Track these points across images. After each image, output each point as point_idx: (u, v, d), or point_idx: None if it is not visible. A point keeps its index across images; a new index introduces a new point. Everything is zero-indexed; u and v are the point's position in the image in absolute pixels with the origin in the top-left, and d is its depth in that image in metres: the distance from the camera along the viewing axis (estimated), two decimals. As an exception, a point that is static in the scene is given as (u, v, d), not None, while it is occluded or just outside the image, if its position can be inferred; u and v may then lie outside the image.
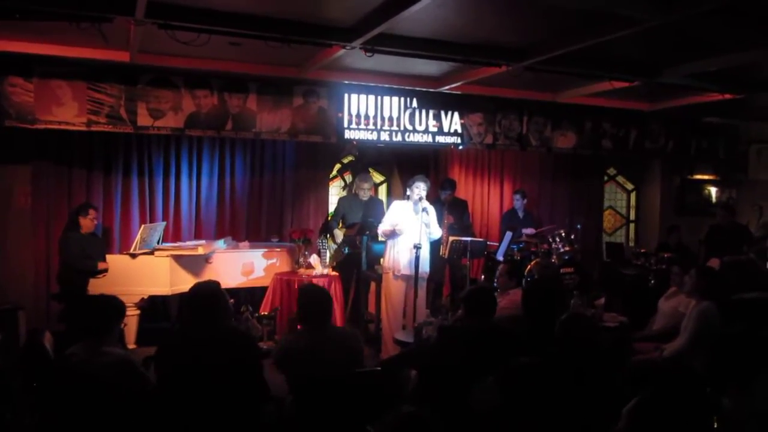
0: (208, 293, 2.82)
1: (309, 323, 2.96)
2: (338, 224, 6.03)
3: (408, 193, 5.04)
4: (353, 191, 6.27)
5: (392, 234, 4.98)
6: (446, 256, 5.70)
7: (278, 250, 5.88)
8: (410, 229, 4.90)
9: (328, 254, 5.77)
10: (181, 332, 2.85)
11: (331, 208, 6.60)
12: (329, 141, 6.14)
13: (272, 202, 6.53)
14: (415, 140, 6.32)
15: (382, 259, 5.41)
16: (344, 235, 5.97)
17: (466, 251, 5.47)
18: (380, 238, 5.40)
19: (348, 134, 6.04)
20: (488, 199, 7.60)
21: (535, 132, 6.99)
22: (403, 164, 7.05)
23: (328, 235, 5.78)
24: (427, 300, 5.15)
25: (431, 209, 4.98)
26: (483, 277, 6.64)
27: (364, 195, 6.05)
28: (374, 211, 6.09)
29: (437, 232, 5.10)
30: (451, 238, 5.59)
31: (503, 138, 6.83)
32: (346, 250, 5.92)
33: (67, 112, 5.12)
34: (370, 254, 6.01)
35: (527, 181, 7.69)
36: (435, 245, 5.40)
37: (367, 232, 5.89)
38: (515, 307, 3.64)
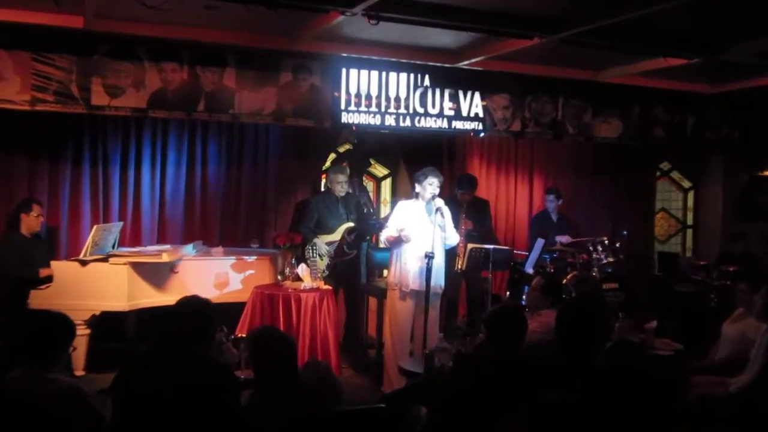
0: (196, 313, 2.88)
1: (270, 383, 2.83)
2: (313, 230, 5.87)
3: (417, 190, 5.00)
4: (327, 187, 6.16)
5: (397, 241, 4.95)
6: (463, 268, 5.69)
7: (259, 258, 5.85)
8: (420, 235, 4.87)
9: (318, 263, 5.72)
10: (148, 358, 2.88)
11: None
12: (322, 126, 6.12)
13: (252, 199, 6.49)
14: (427, 126, 6.33)
15: (385, 271, 5.43)
16: (328, 243, 5.84)
17: (488, 262, 5.44)
18: (382, 245, 5.34)
19: (345, 118, 6.02)
20: (515, 199, 7.48)
21: (572, 118, 6.98)
22: (412, 155, 7.02)
23: (311, 247, 5.74)
24: (440, 321, 5.14)
25: (446, 210, 4.97)
26: (508, 293, 6.61)
27: (341, 190, 5.92)
28: (354, 207, 6.00)
29: (454, 238, 5.10)
30: (469, 246, 5.57)
31: (533, 124, 6.80)
32: (329, 251, 5.81)
33: (8, 88, 5.09)
34: (371, 264, 5.97)
35: (562, 177, 7.64)
36: (450, 254, 5.40)
37: (367, 238, 5.93)
38: (548, 331, 3.65)
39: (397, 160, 7.31)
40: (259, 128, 6.42)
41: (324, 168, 6.83)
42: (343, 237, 5.87)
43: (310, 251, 5.73)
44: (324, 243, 5.83)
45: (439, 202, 4.91)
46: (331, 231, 5.90)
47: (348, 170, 6.15)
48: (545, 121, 6.86)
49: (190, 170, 6.31)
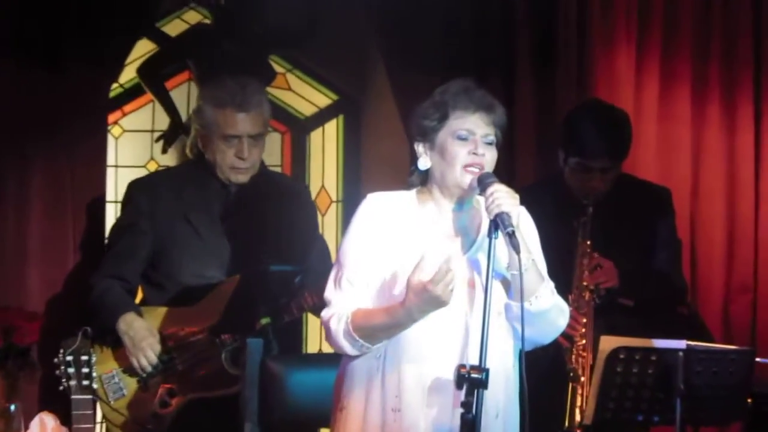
0: None
1: None
2: (132, 293, 6.31)
3: (424, 161, 4.77)
4: (196, 151, 6.50)
5: (376, 331, 4.61)
6: (590, 413, 5.80)
7: None
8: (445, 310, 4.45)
9: (114, 399, 6.11)
10: None
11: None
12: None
13: None
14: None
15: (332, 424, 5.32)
16: (169, 341, 6.24)
17: (670, 395, 5.48)
18: (332, 347, 5.25)
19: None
20: (755, 185, 7.42)
21: None
22: (407, 46, 7.30)
23: (89, 350, 5.73)
24: None
25: (530, 226, 4.65)
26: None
27: (239, 166, 6.36)
28: (276, 223, 6.55)
29: (552, 316, 4.74)
30: (606, 343, 5.60)
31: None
32: (182, 362, 6.33)
33: None
34: (284, 400, 6.17)
35: None
36: (540, 368, 5.08)
37: (268, 320, 6.17)
38: None
39: (361, 61, 7.68)
40: None
41: (116, 89, 7.51)
42: (200, 324, 6.26)
43: (84, 351, 5.78)
44: (154, 339, 6.30)
45: (504, 201, 4.30)
46: (192, 296, 6.35)
47: (266, 98, 6.60)
48: None
49: None
